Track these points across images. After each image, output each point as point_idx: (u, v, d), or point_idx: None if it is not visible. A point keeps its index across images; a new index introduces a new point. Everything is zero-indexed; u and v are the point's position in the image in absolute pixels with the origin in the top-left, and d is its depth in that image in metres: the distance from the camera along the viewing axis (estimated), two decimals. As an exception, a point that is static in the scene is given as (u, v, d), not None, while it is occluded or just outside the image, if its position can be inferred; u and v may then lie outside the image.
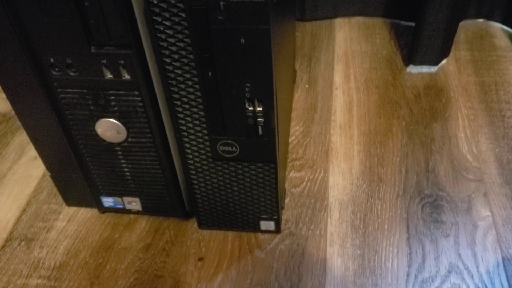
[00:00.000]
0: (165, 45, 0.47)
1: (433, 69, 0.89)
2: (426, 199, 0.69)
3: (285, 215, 0.67)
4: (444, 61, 0.90)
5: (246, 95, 0.50)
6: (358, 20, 1.02)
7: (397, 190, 0.70)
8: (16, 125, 0.84)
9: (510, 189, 0.69)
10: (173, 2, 0.43)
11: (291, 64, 0.83)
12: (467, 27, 0.99)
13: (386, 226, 0.65)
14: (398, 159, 0.74)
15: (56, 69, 0.51)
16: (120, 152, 0.59)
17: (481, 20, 1.00)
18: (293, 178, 0.72)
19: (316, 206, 0.68)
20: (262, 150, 0.56)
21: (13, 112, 0.86)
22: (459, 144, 0.76)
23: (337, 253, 0.63)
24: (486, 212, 0.66)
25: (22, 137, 0.81)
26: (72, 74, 0.51)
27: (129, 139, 0.57)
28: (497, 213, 0.66)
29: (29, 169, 0.76)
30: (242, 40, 0.46)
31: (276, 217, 0.63)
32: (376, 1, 0.99)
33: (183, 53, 0.47)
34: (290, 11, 0.76)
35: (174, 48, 0.47)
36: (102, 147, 0.58)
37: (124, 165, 0.60)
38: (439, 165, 0.73)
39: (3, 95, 0.89)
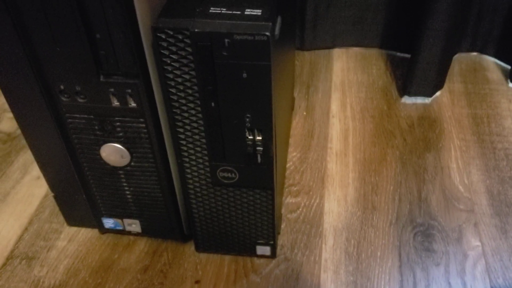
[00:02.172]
0: (171, 77, 0.49)
1: (427, 100, 0.92)
2: (418, 227, 0.71)
3: (281, 240, 0.69)
4: (438, 93, 0.93)
5: (247, 125, 0.53)
6: (355, 50, 1.05)
7: (390, 218, 0.72)
8: (20, 145, 0.86)
9: (500, 220, 0.71)
10: (180, 37, 0.46)
11: (290, 91, 0.86)
12: (461, 60, 1.02)
13: (379, 254, 0.67)
14: (391, 187, 0.76)
15: (65, 96, 0.53)
16: (123, 176, 0.61)
17: (475, 53, 1.03)
18: (289, 203, 0.74)
19: (311, 232, 0.70)
20: (260, 177, 0.58)
21: (18, 132, 0.88)
22: (451, 174, 0.78)
23: (330, 279, 0.64)
24: (476, 242, 0.68)
25: (26, 157, 0.83)
26: (80, 100, 0.53)
27: (132, 164, 0.59)
28: (487, 243, 0.68)
29: (32, 188, 0.78)
30: (244, 74, 0.48)
31: (272, 242, 0.65)
32: (372, 32, 1.03)
33: (188, 84, 0.50)
34: (291, 41, 0.79)
35: (179, 80, 0.50)
36: (105, 170, 0.60)
37: (126, 188, 0.62)
38: (431, 195, 0.75)
39: (9, 115, 0.92)
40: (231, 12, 0.47)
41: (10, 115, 0.92)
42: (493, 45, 1.01)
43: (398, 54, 1.04)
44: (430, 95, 0.92)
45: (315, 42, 1.04)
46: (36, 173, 0.80)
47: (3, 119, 0.91)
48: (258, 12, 0.47)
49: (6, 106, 0.93)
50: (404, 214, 0.72)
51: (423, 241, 0.69)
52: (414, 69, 0.88)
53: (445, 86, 0.95)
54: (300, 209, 0.73)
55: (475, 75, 0.98)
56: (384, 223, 0.71)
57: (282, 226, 0.71)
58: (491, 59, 1.02)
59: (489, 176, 0.78)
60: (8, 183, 0.79)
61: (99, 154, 0.59)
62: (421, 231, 0.70)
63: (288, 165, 0.81)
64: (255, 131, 0.53)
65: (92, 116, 0.55)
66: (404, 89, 0.92)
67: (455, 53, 1.02)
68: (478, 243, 0.68)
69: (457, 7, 0.81)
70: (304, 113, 0.91)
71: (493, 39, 1.00)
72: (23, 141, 0.86)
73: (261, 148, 0.54)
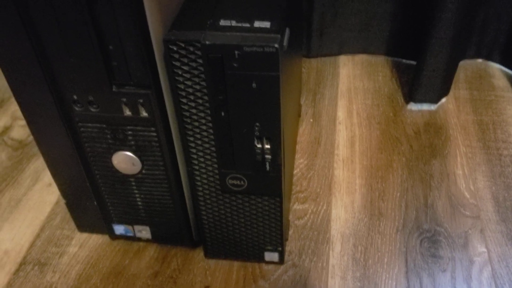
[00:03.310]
0: (182, 87, 0.51)
1: (433, 107, 0.93)
2: (424, 234, 0.71)
3: (289, 246, 0.70)
4: (443, 100, 0.94)
5: (256, 133, 0.54)
6: (361, 57, 1.06)
7: (396, 224, 0.73)
8: (32, 152, 0.87)
9: (506, 226, 0.72)
10: (192, 49, 0.47)
11: (297, 99, 0.87)
12: (466, 67, 1.03)
13: (385, 260, 0.68)
14: (398, 194, 0.77)
15: (78, 105, 0.55)
16: (133, 183, 0.62)
17: (480, 60, 1.04)
18: (297, 210, 0.75)
19: (318, 239, 0.71)
20: (268, 185, 0.59)
21: (29, 139, 0.90)
22: (457, 181, 0.79)
23: (338, 285, 0.65)
24: (482, 248, 0.69)
25: (37, 164, 0.85)
26: (93, 110, 0.55)
27: (143, 171, 0.60)
28: (493, 250, 0.69)
29: (44, 195, 0.79)
30: (254, 85, 0.49)
31: (280, 248, 0.66)
32: (378, 40, 1.04)
33: (199, 94, 0.51)
34: (298, 50, 0.80)
35: (190, 90, 0.51)
36: (117, 178, 0.62)
37: (137, 195, 0.63)
38: (437, 201, 0.76)
39: (20, 122, 0.93)
40: (241, 24, 0.48)
41: (22, 122, 0.93)
42: (498, 52, 1.02)
43: (404, 61, 1.04)
44: (435, 101, 0.92)
45: (321, 50, 1.05)
46: (48, 180, 0.82)
47: (15, 127, 0.93)
48: (267, 24, 0.48)
49: (18, 114, 0.95)
50: (410, 221, 0.73)
51: (430, 247, 0.69)
52: (420, 76, 0.89)
53: (451, 92, 0.95)
54: (308, 216, 0.74)
55: (481, 81, 0.99)
56: (391, 230, 0.72)
57: (290, 232, 0.72)
58: (496, 66, 1.02)
59: (495, 183, 0.78)
60: (20, 190, 0.81)
61: (110, 162, 0.60)
62: (428, 237, 0.71)
63: (295, 171, 0.82)
64: (264, 139, 0.54)
65: (104, 125, 0.56)
66: (410, 96, 0.93)
67: (460, 60, 1.03)
68: (484, 249, 0.69)
69: (462, 16, 0.82)
70: (311, 120, 0.92)
71: (499, 46, 1.01)
72: (35, 149, 0.88)
73: (269, 156, 0.55)
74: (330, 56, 1.07)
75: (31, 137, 0.90)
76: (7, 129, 0.92)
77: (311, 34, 1.03)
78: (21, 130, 0.92)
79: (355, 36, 1.04)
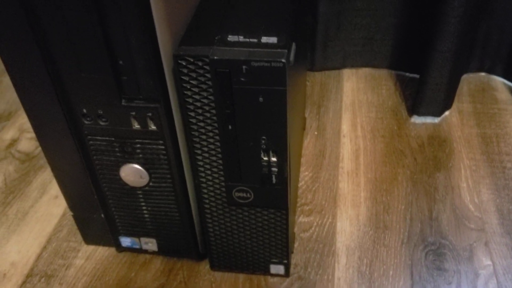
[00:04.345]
0: (191, 101, 0.51)
1: (437, 120, 0.93)
2: (429, 246, 0.72)
3: (294, 259, 0.70)
4: (447, 113, 0.94)
5: (262, 146, 0.54)
6: (365, 71, 1.07)
7: (401, 237, 0.73)
8: (38, 164, 0.88)
9: (511, 239, 0.72)
10: (200, 64, 0.48)
11: (302, 112, 0.88)
12: (469, 80, 1.03)
13: (391, 273, 0.68)
14: (403, 207, 0.77)
15: (88, 119, 0.56)
16: (141, 196, 0.62)
17: (483, 73, 1.05)
18: (302, 222, 0.75)
19: (324, 251, 0.71)
20: (274, 197, 0.59)
21: (36, 152, 0.90)
22: (462, 194, 0.79)
23: (343, 297, 0.65)
24: (487, 261, 0.69)
25: (44, 176, 0.85)
26: (102, 123, 0.56)
27: (151, 184, 0.61)
28: (498, 263, 0.69)
29: (50, 207, 0.80)
30: (261, 99, 0.50)
31: (285, 261, 0.66)
32: (382, 53, 1.05)
33: (206, 108, 0.52)
34: (303, 64, 0.81)
35: (198, 104, 0.52)
36: (124, 191, 0.62)
37: (144, 208, 0.64)
38: (442, 214, 0.76)
39: (28, 135, 0.94)
40: (248, 40, 0.49)
41: (29, 135, 0.94)
42: (501, 65, 1.03)
43: (407, 74, 1.05)
44: (439, 115, 0.93)
45: (325, 63, 1.06)
46: (54, 192, 0.82)
47: (22, 139, 0.94)
48: (274, 40, 0.49)
49: (25, 126, 0.96)
50: (415, 233, 0.73)
51: (435, 260, 0.70)
52: (423, 89, 0.90)
53: (454, 106, 0.96)
54: (313, 228, 0.74)
55: (484, 95, 1.00)
56: (396, 242, 0.72)
57: (295, 245, 0.72)
58: (499, 79, 1.03)
59: (499, 195, 0.79)
60: (27, 202, 0.81)
61: (118, 175, 0.60)
62: (433, 250, 0.71)
63: (300, 184, 0.82)
64: (270, 152, 0.55)
65: (113, 138, 0.57)
66: (414, 109, 0.94)
67: (463, 73, 1.04)
68: (489, 262, 0.69)
69: (465, 29, 0.83)
70: (316, 133, 0.92)
71: (501, 59, 1.02)
72: (41, 161, 0.88)
73: (276, 169, 0.56)
74: (334, 69, 1.08)
75: (38, 150, 0.91)
76: (14, 141, 0.93)
77: (315, 48, 1.04)
78: (28, 143, 0.93)
79: (358, 49, 1.05)
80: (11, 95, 1.06)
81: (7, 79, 1.10)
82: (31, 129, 0.95)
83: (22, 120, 0.98)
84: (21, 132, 0.96)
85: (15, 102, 1.03)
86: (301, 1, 0.67)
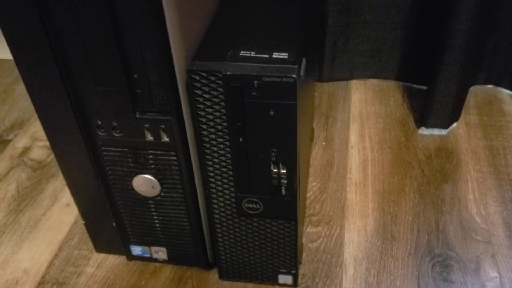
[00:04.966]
0: (203, 114, 0.53)
1: (444, 132, 0.94)
2: (436, 258, 0.72)
3: (302, 269, 0.71)
4: (454, 125, 0.95)
5: (272, 158, 0.56)
6: (372, 82, 1.08)
7: (409, 248, 0.74)
8: (50, 173, 0.89)
9: (517, 251, 0.72)
10: (213, 79, 0.49)
11: (310, 122, 0.89)
12: (476, 92, 1.04)
13: (398, 284, 0.69)
14: (410, 218, 0.78)
15: (102, 130, 0.57)
16: (152, 205, 0.64)
17: (490, 86, 1.06)
18: (310, 233, 0.76)
19: (332, 262, 0.72)
20: (284, 209, 0.60)
21: (48, 160, 0.92)
22: (468, 205, 0.80)
23: (351, 308, 0.66)
24: (494, 273, 0.70)
25: (56, 184, 0.87)
26: (116, 135, 0.57)
27: (162, 194, 0.62)
28: (505, 275, 0.69)
29: (62, 215, 0.81)
30: (272, 112, 0.51)
31: (294, 271, 0.67)
32: (390, 65, 1.06)
33: (218, 121, 0.53)
34: (312, 76, 0.82)
35: (210, 117, 0.53)
36: (136, 200, 0.64)
37: (155, 217, 0.65)
38: (449, 226, 0.77)
39: (40, 143, 0.96)
40: (260, 55, 0.50)
41: (41, 143, 0.96)
42: (508, 78, 1.03)
43: (415, 86, 1.06)
44: (446, 127, 0.94)
45: (333, 74, 1.08)
46: (66, 200, 0.84)
47: (34, 148, 0.95)
48: (285, 55, 0.50)
49: (37, 134, 0.97)
50: (422, 245, 0.74)
51: (442, 272, 0.70)
52: (431, 101, 0.91)
53: (461, 118, 0.97)
54: (321, 239, 0.75)
55: (491, 107, 1.00)
56: (403, 253, 0.73)
57: (303, 255, 0.73)
58: (506, 92, 1.04)
59: (506, 208, 0.79)
60: (39, 210, 0.83)
61: (131, 185, 0.62)
62: (440, 261, 0.72)
63: (308, 194, 0.83)
64: (280, 164, 0.56)
65: (126, 149, 0.58)
66: (421, 121, 0.94)
67: (471, 86, 1.04)
68: (496, 274, 0.69)
69: (473, 43, 0.84)
70: (323, 143, 0.93)
71: (508, 72, 1.02)
72: (53, 169, 0.90)
73: (285, 181, 0.57)
74: (341, 80, 1.09)
75: (50, 158, 0.92)
76: (27, 149, 0.95)
77: (323, 59, 1.05)
78: (40, 151, 0.94)
79: (366, 61, 1.06)
80: (24, 103, 1.08)
81: (19, 88, 1.12)
82: (43, 137, 0.97)
83: (35, 128, 1.00)
84: (33, 140, 0.97)
85: (27, 110, 1.05)
86: (311, 15, 0.68)
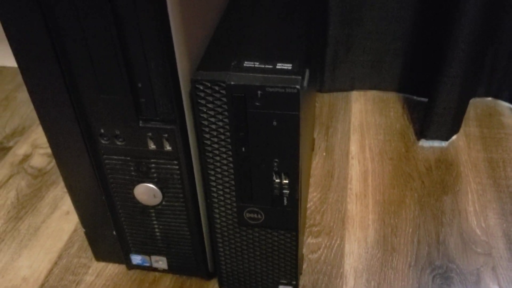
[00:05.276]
0: (206, 123, 0.53)
1: (444, 144, 0.94)
2: (436, 270, 0.72)
3: (302, 280, 0.71)
4: (454, 137, 0.96)
5: (274, 169, 0.56)
6: (373, 93, 1.08)
7: (409, 260, 0.73)
8: (50, 180, 0.89)
9: (518, 264, 0.72)
10: (217, 89, 0.50)
11: (311, 133, 0.89)
12: (476, 105, 1.05)
13: (398, 295, 0.69)
14: (410, 229, 0.78)
15: (105, 138, 0.57)
16: (153, 214, 0.64)
17: (489, 98, 1.06)
18: (310, 244, 0.76)
19: (332, 273, 0.72)
20: (285, 219, 0.60)
21: (48, 167, 0.92)
22: (468, 218, 0.80)
23: (351, 319, 0.66)
24: (494, 285, 0.70)
25: (56, 192, 0.87)
26: (118, 143, 0.57)
27: (164, 203, 0.62)
28: (505, 287, 0.69)
29: (62, 223, 0.81)
30: (274, 123, 0.51)
31: (294, 282, 0.67)
32: (390, 76, 1.06)
33: (221, 130, 0.53)
34: (314, 87, 0.83)
35: (213, 126, 0.53)
36: (137, 209, 0.63)
37: (156, 226, 0.65)
38: (449, 238, 0.77)
39: (40, 151, 0.96)
40: (263, 66, 0.50)
41: (42, 151, 0.96)
42: (508, 90, 1.04)
43: (415, 97, 1.07)
44: (446, 139, 0.94)
45: (334, 85, 1.08)
46: (66, 208, 0.84)
47: (35, 155, 0.95)
48: (288, 66, 0.50)
49: (38, 142, 0.97)
50: (423, 256, 0.74)
51: (442, 284, 0.70)
52: (431, 113, 0.91)
53: (461, 130, 0.97)
54: (321, 250, 0.75)
55: (490, 119, 1.01)
56: (404, 265, 0.73)
57: (304, 266, 0.73)
58: (505, 104, 1.04)
59: (506, 220, 0.79)
60: (39, 217, 0.82)
61: (132, 193, 0.62)
62: (440, 273, 0.72)
63: (308, 205, 0.83)
64: (282, 175, 0.56)
65: (128, 158, 0.58)
66: (421, 133, 0.95)
67: (471, 98, 1.05)
68: (497, 287, 0.69)
69: (474, 55, 0.84)
70: (324, 154, 0.93)
71: (508, 85, 1.03)
72: (53, 177, 0.90)
73: (287, 191, 0.57)
74: (342, 91, 1.09)
75: (50, 166, 0.92)
76: (27, 157, 0.95)
77: (324, 69, 1.06)
78: (41, 158, 0.94)
79: (367, 72, 1.06)
80: (25, 110, 1.08)
81: (21, 95, 1.12)
82: (44, 145, 0.97)
83: (35, 135, 1.00)
84: (34, 148, 0.97)
85: (28, 118, 1.05)
86: (314, 26, 0.69)
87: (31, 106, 1.08)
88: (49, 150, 0.95)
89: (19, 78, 1.18)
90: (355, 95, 1.08)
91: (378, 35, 1.01)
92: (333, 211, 0.82)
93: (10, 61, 1.23)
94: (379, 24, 1.00)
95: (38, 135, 1.00)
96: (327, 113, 1.04)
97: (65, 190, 0.86)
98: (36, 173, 0.91)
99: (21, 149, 0.97)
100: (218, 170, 0.57)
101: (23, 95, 1.12)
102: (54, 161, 0.93)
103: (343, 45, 1.02)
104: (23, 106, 1.09)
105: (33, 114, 1.06)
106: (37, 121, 1.04)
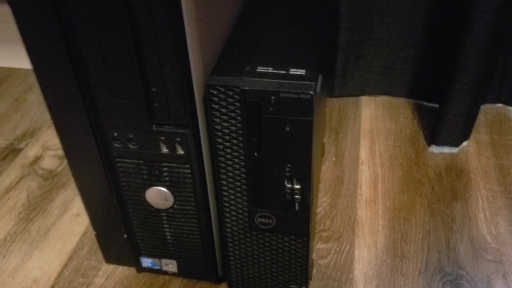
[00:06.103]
0: (219, 128, 0.53)
1: (454, 150, 0.94)
2: (447, 277, 0.72)
3: (312, 286, 0.71)
4: (465, 143, 0.95)
5: (286, 174, 0.56)
6: (383, 99, 1.08)
7: (419, 266, 0.73)
8: (61, 182, 0.90)
9: (529, 272, 0.72)
10: (230, 94, 0.50)
11: (321, 138, 0.89)
12: (486, 111, 1.04)
13: (408, 302, 0.68)
14: (420, 236, 0.78)
15: (118, 142, 0.57)
16: (165, 218, 0.64)
17: (500, 104, 1.06)
18: (320, 249, 0.76)
19: (342, 279, 0.72)
20: (296, 224, 0.60)
21: (59, 169, 0.92)
22: (479, 224, 0.80)
23: (361, 325, 0.66)
24: (505, 294, 0.69)
25: (66, 194, 0.87)
26: (132, 147, 0.57)
27: (175, 206, 0.62)
28: (516, 296, 0.69)
29: (72, 225, 0.81)
30: (287, 128, 0.51)
31: (304, 287, 0.67)
32: (400, 82, 1.06)
33: (234, 135, 0.53)
34: (325, 92, 0.83)
35: (226, 131, 0.53)
36: (149, 212, 0.64)
37: (167, 230, 0.65)
38: (459, 244, 0.76)
39: (51, 153, 0.96)
40: (277, 71, 0.51)
41: (52, 153, 0.96)
42: (518, 97, 1.04)
43: (425, 103, 1.06)
44: (457, 145, 0.94)
45: (344, 90, 1.08)
46: (76, 210, 0.84)
47: (45, 157, 0.96)
48: (302, 72, 0.51)
49: (49, 144, 0.98)
50: (433, 263, 0.74)
51: (452, 291, 0.70)
52: (442, 120, 0.91)
53: (472, 136, 0.97)
54: (331, 255, 0.75)
55: (501, 126, 1.00)
56: (414, 271, 0.72)
57: (313, 271, 0.73)
58: (516, 111, 1.04)
59: (517, 228, 0.79)
60: (49, 219, 0.83)
61: (144, 197, 0.62)
62: (450, 280, 0.71)
63: (318, 210, 0.83)
64: (294, 180, 0.56)
65: (141, 161, 0.58)
66: (432, 139, 0.95)
67: (481, 104, 1.05)
68: (508, 295, 0.69)
69: (485, 62, 0.84)
70: (334, 159, 0.93)
71: (519, 91, 1.03)
72: (64, 179, 0.90)
73: (299, 197, 0.57)
74: (352, 96, 1.09)
75: (61, 167, 0.93)
76: (38, 158, 0.95)
77: (334, 75, 1.06)
78: (51, 160, 0.95)
79: (377, 78, 1.06)
80: (35, 112, 1.08)
81: (32, 97, 1.13)
82: (54, 147, 0.98)
83: (46, 137, 1.01)
84: (44, 150, 0.98)
85: (39, 119, 1.06)
86: (326, 32, 0.69)
87: (42, 108, 1.09)
88: (59, 152, 0.96)
89: (30, 80, 1.19)
90: (365, 100, 1.08)
91: (388, 41, 1.01)
92: (343, 217, 0.81)
93: (20, 63, 1.24)
94: (390, 31, 0.99)
95: (49, 137, 1.01)
96: (337, 118, 1.04)
97: (75, 192, 0.87)
98: (46, 175, 0.92)
99: (31, 151, 0.97)
100: (230, 174, 0.57)
101: (34, 97, 1.13)
102: (64, 163, 0.93)
103: (353, 51, 1.02)
104: (34, 108, 1.10)
105: (44, 116, 1.06)
106: (48, 123, 1.04)
